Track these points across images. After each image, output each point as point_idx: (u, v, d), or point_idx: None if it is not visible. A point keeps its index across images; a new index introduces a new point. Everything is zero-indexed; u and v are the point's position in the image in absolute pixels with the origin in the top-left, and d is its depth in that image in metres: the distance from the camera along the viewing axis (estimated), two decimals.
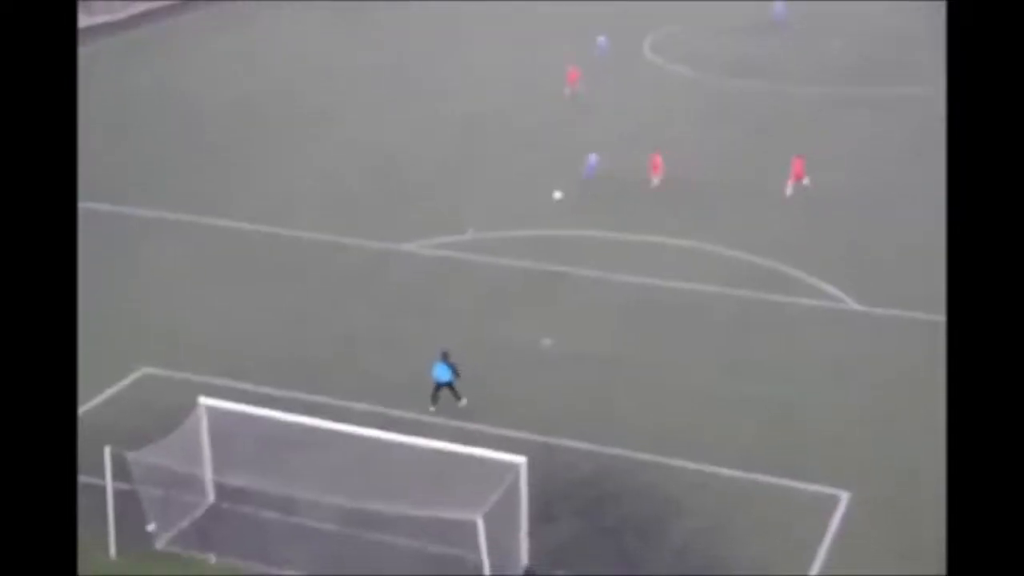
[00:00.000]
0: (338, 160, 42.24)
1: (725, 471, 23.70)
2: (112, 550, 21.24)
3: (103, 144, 44.42)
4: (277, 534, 21.77)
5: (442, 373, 25.42)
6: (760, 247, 34.32)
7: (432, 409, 25.43)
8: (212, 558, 21.25)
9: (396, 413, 25.42)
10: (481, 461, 20.46)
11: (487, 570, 19.64)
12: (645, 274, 32.78)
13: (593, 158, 37.56)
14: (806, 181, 37.67)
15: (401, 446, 21.12)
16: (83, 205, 37.81)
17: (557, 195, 37.16)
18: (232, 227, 36.52)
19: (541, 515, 21.51)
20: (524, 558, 20.99)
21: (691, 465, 23.88)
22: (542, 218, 36.55)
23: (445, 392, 25.71)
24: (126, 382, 27.19)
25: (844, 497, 22.89)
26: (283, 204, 38.27)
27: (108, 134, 45.49)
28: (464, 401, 25.66)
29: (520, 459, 20.49)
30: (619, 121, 46.13)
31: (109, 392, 26.72)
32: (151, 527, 21.46)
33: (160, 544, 21.55)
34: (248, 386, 26.30)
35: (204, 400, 22.24)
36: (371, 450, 21.45)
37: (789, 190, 37.57)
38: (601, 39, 53.56)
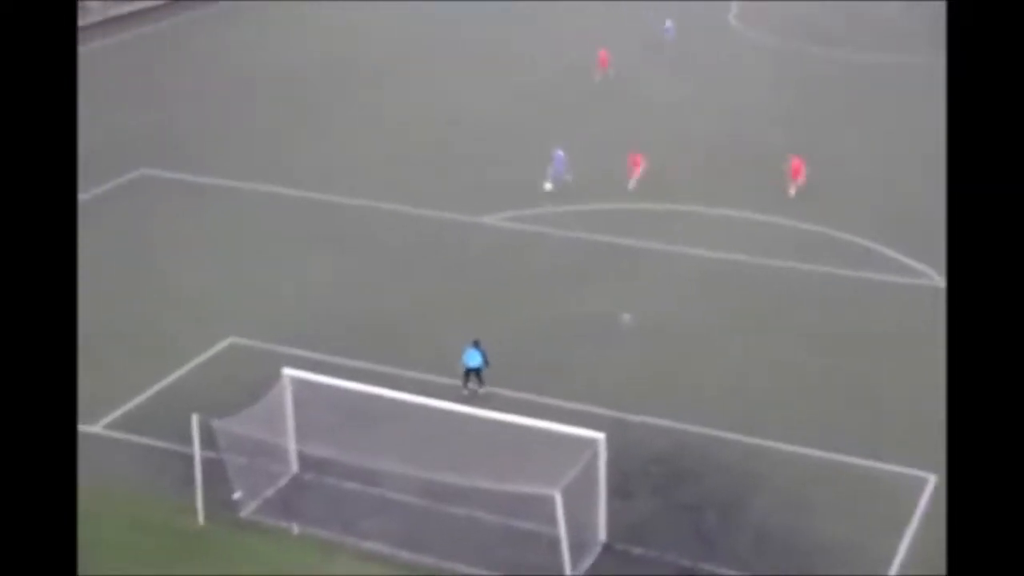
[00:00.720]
0: (408, 131, 42.32)
1: (805, 449, 23.50)
2: (200, 516, 21.82)
3: (175, 112, 45.15)
4: (359, 505, 22.14)
5: (471, 359, 25.50)
6: (841, 221, 33.77)
7: (464, 392, 25.37)
8: (295, 528, 21.70)
9: (471, 385, 25.56)
10: (559, 436, 20.56)
11: (565, 545, 19.77)
12: (720, 248, 32.47)
13: (560, 153, 36.81)
14: (801, 182, 35.74)
15: (479, 419, 21.30)
16: (167, 175, 38.69)
17: (548, 187, 36.26)
18: (308, 197, 36.86)
19: (617, 491, 21.56)
20: (602, 534, 21.09)
21: (769, 443, 23.72)
22: (614, 192, 36.31)
23: (482, 373, 25.43)
24: (213, 351, 27.79)
25: (931, 479, 22.54)
26: (359, 174, 38.55)
27: (191, 104, 46.18)
28: (484, 389, 25.38)
29: (599, 435, 20.55)
30: (689, 93, 45.54)
31: (196, 361, 27.32)
32: (237, 495, 21.98)
33: (245, 512, 22.04)
34: (327, 357, 26.65)
35: (288, 371, 22.64)
36: (450, 422, 21.67)
37: (792, 190, 35.57)
38: (669, 22, 52.97)
